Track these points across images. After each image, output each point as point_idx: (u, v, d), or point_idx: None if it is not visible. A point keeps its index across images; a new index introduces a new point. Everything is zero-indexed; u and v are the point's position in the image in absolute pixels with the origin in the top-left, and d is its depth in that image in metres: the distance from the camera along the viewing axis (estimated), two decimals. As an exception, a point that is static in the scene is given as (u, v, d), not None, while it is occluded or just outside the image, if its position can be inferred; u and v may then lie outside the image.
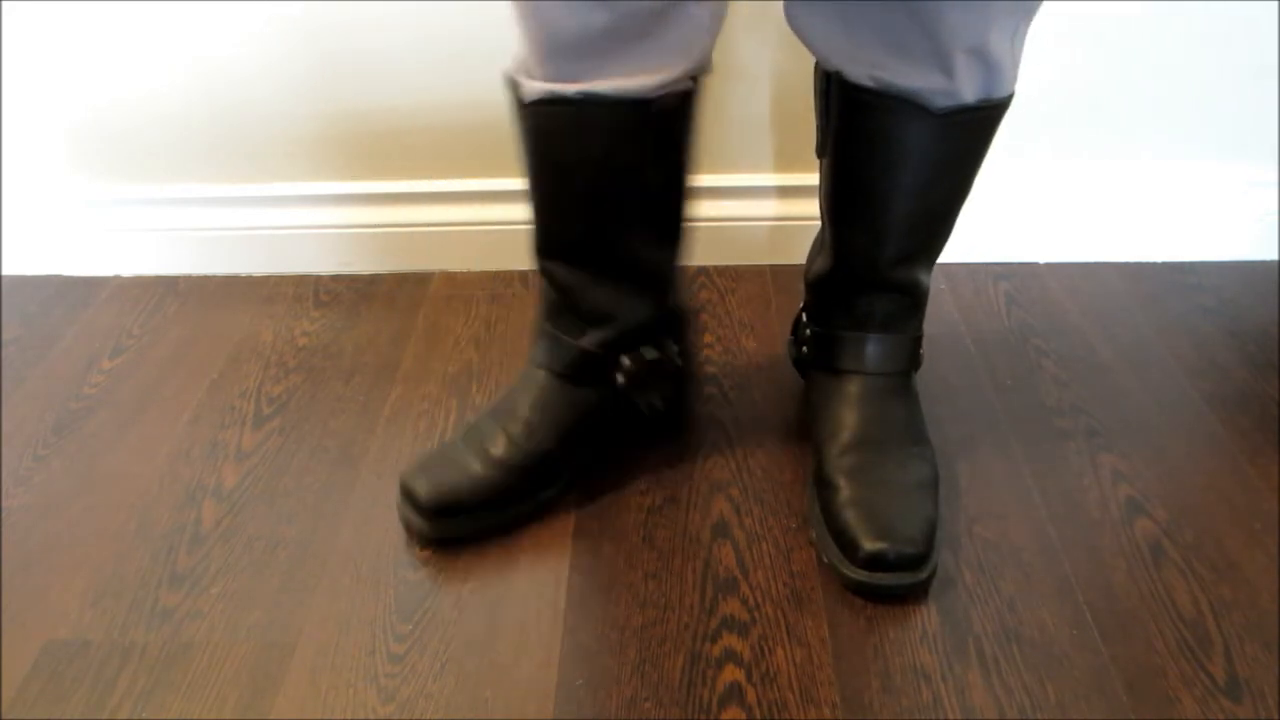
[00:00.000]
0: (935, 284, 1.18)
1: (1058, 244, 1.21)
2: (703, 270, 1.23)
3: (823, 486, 0.84)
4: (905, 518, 0.79)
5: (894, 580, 0.78)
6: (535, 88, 0.75)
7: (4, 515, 0.91)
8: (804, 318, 0.95)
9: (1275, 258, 1.20)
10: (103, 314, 1.19)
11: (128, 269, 1.27)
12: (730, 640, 0.77)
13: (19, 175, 1.24)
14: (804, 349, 0.94)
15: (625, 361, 0.87)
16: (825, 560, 0.81)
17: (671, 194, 0.84)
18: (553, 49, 0.73)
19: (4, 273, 1.28)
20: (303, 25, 1.12)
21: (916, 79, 0.75)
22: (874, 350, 0.87)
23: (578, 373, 0.87)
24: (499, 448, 0.85)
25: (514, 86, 0.77)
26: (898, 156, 0.78)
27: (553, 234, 0.83)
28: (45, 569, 0.85)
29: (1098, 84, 1.13)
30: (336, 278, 1.25)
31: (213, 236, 1.25)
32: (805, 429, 0.96)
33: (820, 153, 0.85)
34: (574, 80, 0.73)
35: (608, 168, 0.78)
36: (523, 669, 0.75)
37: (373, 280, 1.24)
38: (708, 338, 1.11)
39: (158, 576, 0.84)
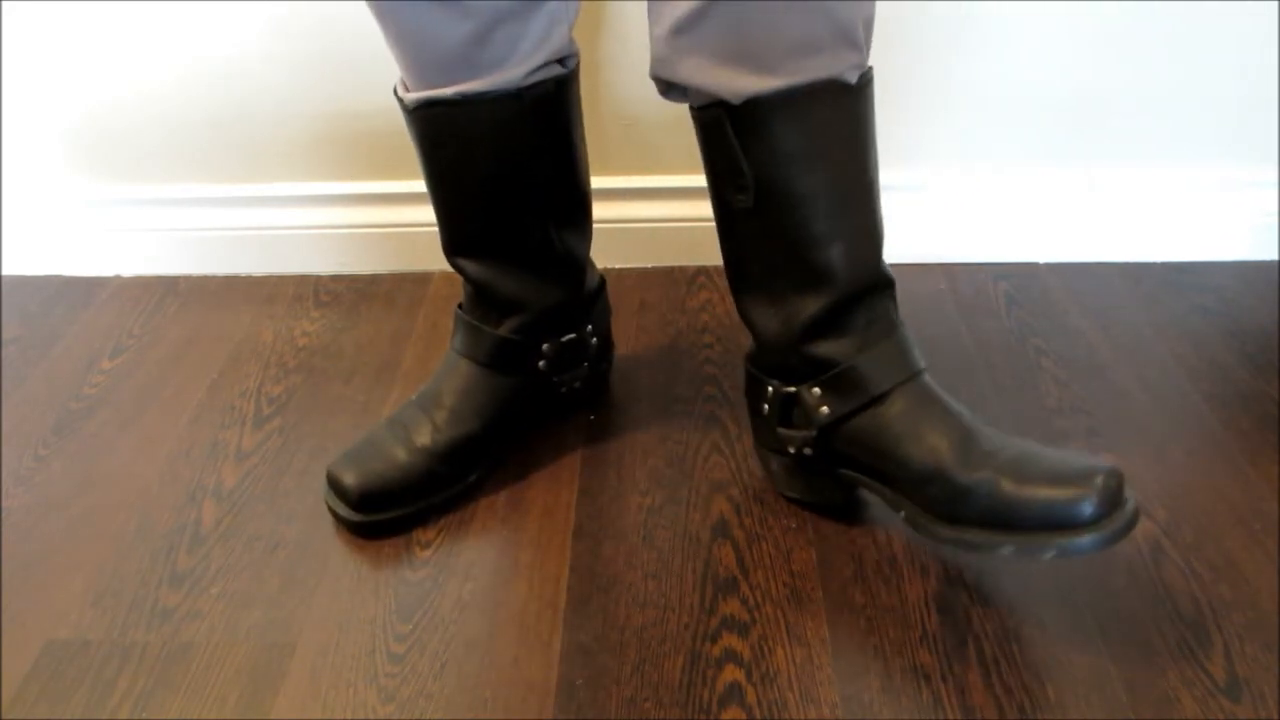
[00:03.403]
0: (935, 284, 1.18)
1: (1058, 244, 1.21)
2: (702, 270, 1.23)
3: (965, 497, 0.73)
4: (1069, 456, 0.72)
5: (1130, 506, 0.69)
6: (415, 95, 0.81)
7: (4, 515, 0.91)
8: (790, 417, 0.84)
9: (1275, 258, 1.20)
10: (103, 314, 1.19)
11: (128, 269, 1.27)
12: (730, 640, 0.77)
13: (19, 175, 1.24)
14: (805, 450, 0.83)
15: (545, 347, 0.91)
16: (1046, 555, 0.70)
17: (565, 180, 0.87)
18: (422, 63, 0.79)
19: (4, 273, 1.28)
20: (302, 25, 1.12)
21: (831, 67, 0.72)
22: (898, 354, 0.80)
23: (497, 360, 0.90)
24: (424, 435, 0.88)
25: (399, 98, 0.83)
26: (828, 144, 0.74)
27: (456, 231, 0.87)
28: (45, 569, 0.85)
29: (1097, 84, 1.13)
30: (336, 278, 1.25)
31: (213, 236, 1.25)
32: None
33: (741, 219, 0.78)
34: (447, 85, 0.79)
35: (495, 161, 0.83)
36: (523, 669, 0.75)
37: (373, 280, 1.24)
38: (707, 338, 1.11)
39: (158, 576, 0.84)
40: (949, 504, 0.74)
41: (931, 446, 0.76)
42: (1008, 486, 0.71)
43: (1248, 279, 1.17)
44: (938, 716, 0.71)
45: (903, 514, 0.78)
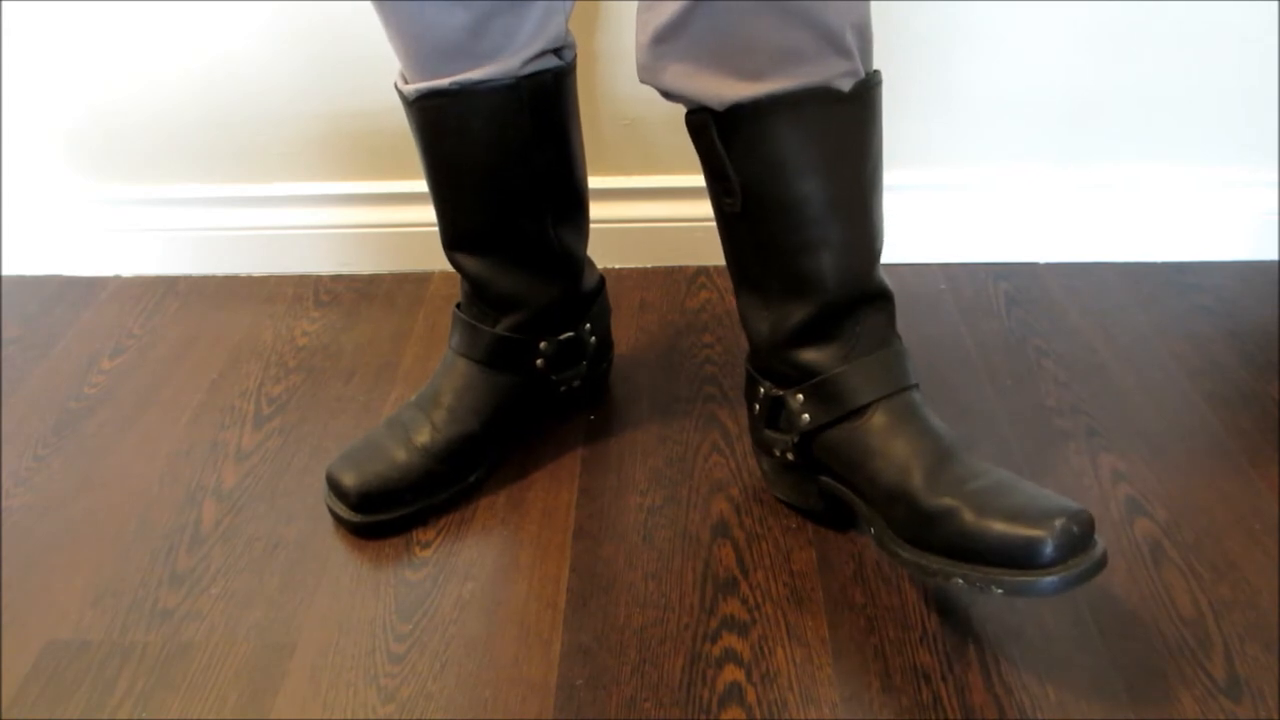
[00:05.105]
0: (935, 284, 1.18)
1: (1058, 244, 1.21)
2: (703, 270, 1.23)
3: (929, 523, 0.73)
4: (1042, 495, 0.71)
5: (1098, 551, 0.68)
6: (415, 87, 0.81)
7: (4, 515, 0.91)
8: (771, 423, 0.84)
9: (1275, 258, 1.20)
10: (103, 314, 1.19)
11: (128, 269, 1.27)
12: (730, 640, 0.77)
13: (19, 175, 1.24)
14: (788, 454, 0.83)
15: (543, 346, 0.91)
16: (995, 591, 0.69)
17: (563, 175, 0.87)
18: (421, 54, 0.79)
19: (4, 273, 1.28)
20: (303, 25, 1.12)
21: (818, 74, 0.71)
22: (884, 367, 0.79)
23: (495, 358, 0.90)
24: (423, 435, 0.88)
25: (399, 90, 0.83)
26: (817, 152, 0.73)
27: (455, 225, 0.88)
28: (45, 569, 0.85)
29: (1097, 84, 1.13)
30: (336, 278, 1.25)
31: (213, 236, 1.25)
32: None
33: (733, 222, 0.79)
34: (446, 76, 0.80)
35: (493, 153, 0.83)
36: (523, 669, 0.75)
37: (372, 280, 1.24)
38: (707, 337, 1.11)
39: (158, 576, 0.84)
40: (913, 526, 0.73)
41: (902, 466, 0.75)
42: (968, 517, 0.70)
43: (1248, 279, 1.17)
44: (938, 716, 0.71)
45: (872, 530, 0.78)
